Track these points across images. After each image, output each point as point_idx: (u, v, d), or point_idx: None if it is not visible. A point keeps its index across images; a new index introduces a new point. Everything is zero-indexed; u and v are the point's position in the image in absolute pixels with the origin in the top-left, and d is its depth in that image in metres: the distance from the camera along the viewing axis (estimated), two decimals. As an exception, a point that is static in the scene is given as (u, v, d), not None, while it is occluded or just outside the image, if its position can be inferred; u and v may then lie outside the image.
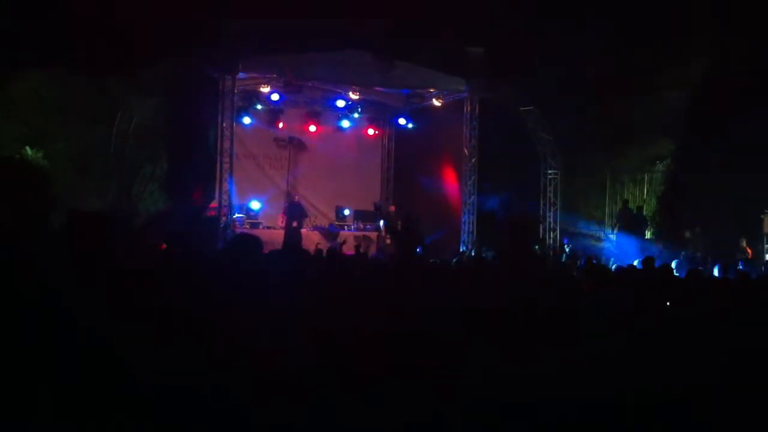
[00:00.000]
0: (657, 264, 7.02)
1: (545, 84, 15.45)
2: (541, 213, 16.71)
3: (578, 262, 11.38)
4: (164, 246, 6.57)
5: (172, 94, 14.43)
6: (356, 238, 16.40)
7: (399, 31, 14.97)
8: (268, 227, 16.12)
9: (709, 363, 2.83)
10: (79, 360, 2.12)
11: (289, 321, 2.88)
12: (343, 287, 4.99)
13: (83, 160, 14.14)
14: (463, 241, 16.16)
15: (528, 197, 16.58)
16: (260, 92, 15.99)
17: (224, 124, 14.67)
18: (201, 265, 4.16)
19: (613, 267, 8.72)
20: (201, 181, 15.10)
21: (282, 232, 15.30)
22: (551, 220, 16.75)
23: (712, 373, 2.76)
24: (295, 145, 18.00)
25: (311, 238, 15.59)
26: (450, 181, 17.24)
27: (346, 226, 17.26)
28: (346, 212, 17.55)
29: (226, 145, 14.67)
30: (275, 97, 16.09)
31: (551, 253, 15.69)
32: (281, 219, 15.75)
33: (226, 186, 14.54)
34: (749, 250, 13.93)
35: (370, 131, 18.57)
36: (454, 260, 10.90)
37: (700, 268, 8.36)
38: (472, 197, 16.30)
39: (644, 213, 16.99)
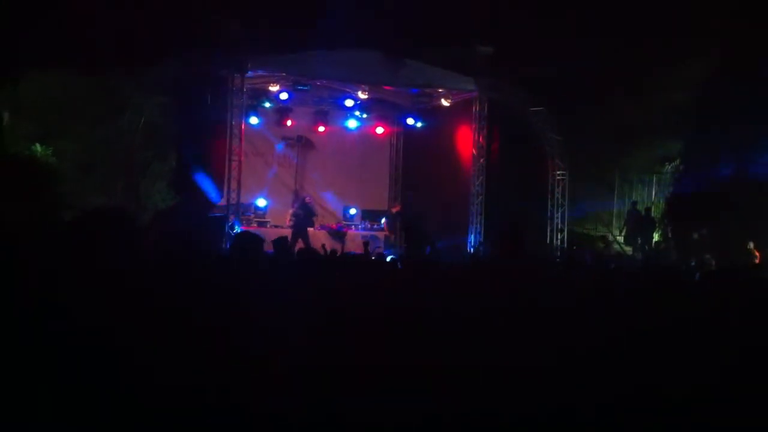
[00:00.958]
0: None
1: (554, 84, 15.40)
2: (549, 213, 16.65)
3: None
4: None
5: (180, 93, 14.47)
6: (363, 237, 16.40)
7: (408, 30, 14.96)
8: (276, 226, 16.15)
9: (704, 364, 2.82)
10: (79, 360, 2.12)
11: (294, 320, 2.88)
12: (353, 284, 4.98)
13: (91, 159, 14.20)
14: (470, 242, 16.15)
15: (535, 197, 16.53)
16: (269, 91, 16.01)
17: (233, 123, 14.70)
18: (205, 264, 4.15)
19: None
20: (209, 180, 15.13)
21: (289, 231, 15.33)
22: (559, 221, 16.69)
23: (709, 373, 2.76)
24: (304, 144, 18.03)
25: (317, 237, 15.62)
26: (458, 180, 17.20)
27: (353, 226, 17.28)
28: (353, 211, 17.56)
29: (235, 143, 14.70)
30: (284, 96, 16.11)
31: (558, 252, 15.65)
32: (289, 219, 15.78)
33: (234, 185, 14.57)
34: (757, 253, 13.83)
35: (379, 130, 18.56)
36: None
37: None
38: (480, 197, 16.28)
39: (652, 214, 16.93)
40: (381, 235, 16.96)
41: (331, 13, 13.84)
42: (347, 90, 16.61)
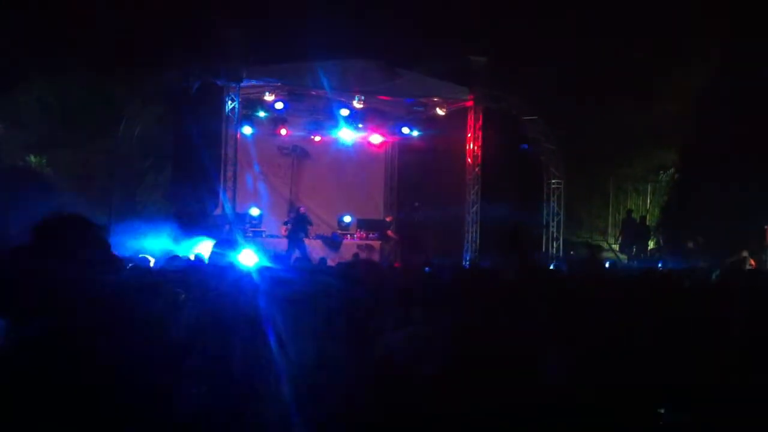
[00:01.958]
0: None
1: (549, 93, 15.46)
2: (544, 222, 16.67)
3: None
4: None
5: (175, 103, 14.46)
6: (358, 246, 16.38)
7: (403, 40, 15.00)
8: (272, 236, 16.12)
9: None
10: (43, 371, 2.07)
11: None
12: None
13: (87, 169, 14.17)
14: (466, 251, 16.14)
15: (531, 206, 16.54)
16: (264, 100, 16.01)
17: (228, 132, 14.69)
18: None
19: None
20: (204, 190, 15.10)
21: (284, 241, 15.32)
22: (554, 230, 16.71)
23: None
24: (299, 153, 18.01)
25: (313, 247, 15.59)
26: (453, 189, 17.21)
27: (349, 235, 17.25)
28: (347, 219, 17.52)
29: (230, 153, 14.69)
30: (279, 105, 16.11)
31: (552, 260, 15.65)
32: (284, 229, 15.76)
33: (230, 194, 14.54)
34: (752, 263, 13.86)
35: (374, 140, 18.57)
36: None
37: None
38: (476, 206, 16.29)
39: (648, 223, 16.98)
40: (376, 244, 16.93)
41: (326, 23, 13.87)
42: (342, 99, 16.62)
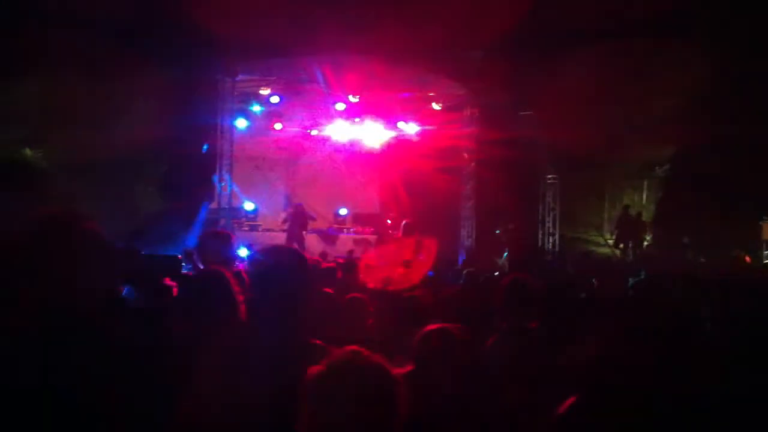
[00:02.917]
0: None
1: (544, 88, 15.43)
2: (540, 218, 16.69)
3: None
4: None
5: (171, 97, 14.46)
6: (354, 241, 16.41)
7: (399, 35, 14.97)
8: (268, 229, 16.16)
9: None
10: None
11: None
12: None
13: (82, 162, 14.17)
14: (462, 245, 16.18)
15: (527, 202, 16.56)
16: (260, 94, 16.02)
17: (223, 127, 14.71)
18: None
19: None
20: (200, 184, 15.12)
21: (282, 235, 15.35)
22: (550, 225, 16.73)
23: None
24: (295, 147, 18.03)
25: (309, 242, 15.62)
26: (449, 184, 17.21)
27: (345, 230, 17.27)
28: (343, 211, 17.52)
29: (226, 147, 14.71)
30: (275, 99, 16.12)
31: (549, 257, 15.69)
32: (282, 223, 15.77)
33: (225, 188, 14.57)
34: (748, 259, 13.87)
35: (370, 134, 18.56)
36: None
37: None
38: (471, 201, 16.31)
39: (643, 219, 16.98)
40: (372, 239, 16.96)
41: (323, 17, 13.85)
42: (338, 94, 16.62)
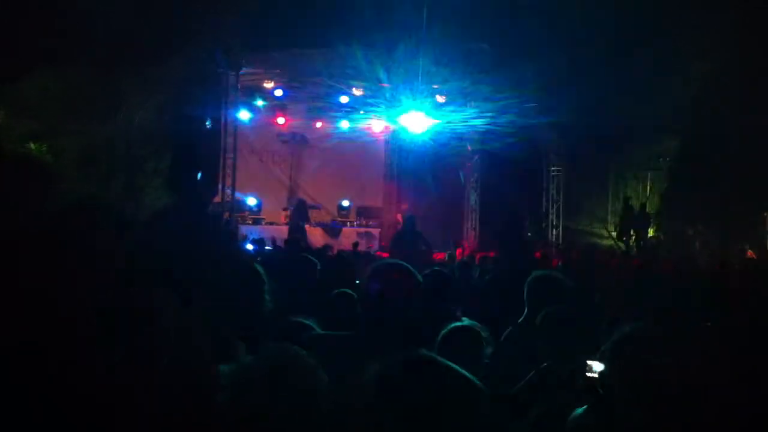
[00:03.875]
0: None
1: (549, 80, 15.41)
2: (544, 210, 16.69)
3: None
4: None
5: (175, 90, 14.46)
6: (358, 234, 16.40)
7: (401, 27, 14.95)
8: (271, 223, 16.17)
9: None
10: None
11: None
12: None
13: (88, 156, 14.19)
14: (465, 238, 16.18)
15: (531, 194, 16.56)
16: (264, 88, 16.00)
17: (227, 120, 14.70)
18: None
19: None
20: (205, 177, 15.15)
21: (284, 228, 15.37)
22: (554, 217, 16.73)
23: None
24: (299, 141, 18.00)
25: (313, 234, 15.64)
26: (453, 176, 17.22)
27: (348, 222, 17.26)
28: (345, 203, 17.52)
29: (230, 140, 14.71)
30: (279, 92, 16.10)
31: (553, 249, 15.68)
32: (285, 216, 15.78)
33: (229, 182, 14.57)
34: (750, 253, 13.86)
35: (374, 127, 18.53)
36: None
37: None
38: (476, 192, 16.31)
39: (647, 210, 16.97)
40: (376, 232, 16.95)
41: (327, 11, 13.83)
42: (342, 87, 16.59)
